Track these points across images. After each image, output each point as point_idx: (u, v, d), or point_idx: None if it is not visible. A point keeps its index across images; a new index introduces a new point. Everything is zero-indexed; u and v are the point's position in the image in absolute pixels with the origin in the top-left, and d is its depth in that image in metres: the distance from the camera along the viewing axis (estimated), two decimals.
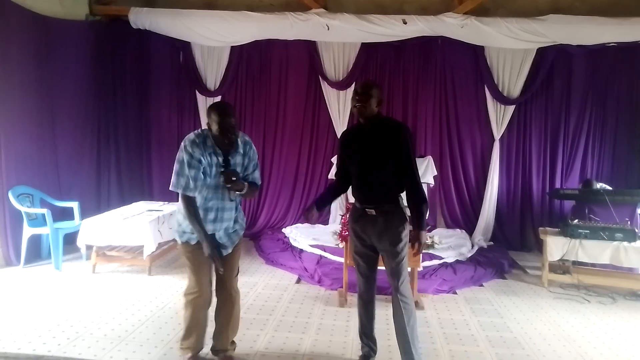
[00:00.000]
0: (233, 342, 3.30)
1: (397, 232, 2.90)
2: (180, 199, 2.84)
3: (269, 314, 4.14)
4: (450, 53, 6.70)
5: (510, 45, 6.35)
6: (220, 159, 2.85)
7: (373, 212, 2.94)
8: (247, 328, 3.81)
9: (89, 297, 4.39)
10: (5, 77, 5.11)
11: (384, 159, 2.86)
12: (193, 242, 2.94)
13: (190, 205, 2.81)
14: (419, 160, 6.22)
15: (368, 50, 6.75)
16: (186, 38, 6.83)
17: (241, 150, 2.91)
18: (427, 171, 5.92)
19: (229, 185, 2.82)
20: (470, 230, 6.65)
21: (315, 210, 3.03)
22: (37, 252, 5.44)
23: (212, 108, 2.82)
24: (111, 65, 6.79)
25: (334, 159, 6.28)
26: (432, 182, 6.15)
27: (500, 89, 6.56)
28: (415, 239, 2.89)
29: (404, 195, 2.99)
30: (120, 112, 6.91)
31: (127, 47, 6.89)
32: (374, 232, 2.95)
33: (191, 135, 2.83)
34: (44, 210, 5.16)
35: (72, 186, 6.12)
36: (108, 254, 5.20)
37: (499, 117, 6.61)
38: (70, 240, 5.38)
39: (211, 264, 3.01)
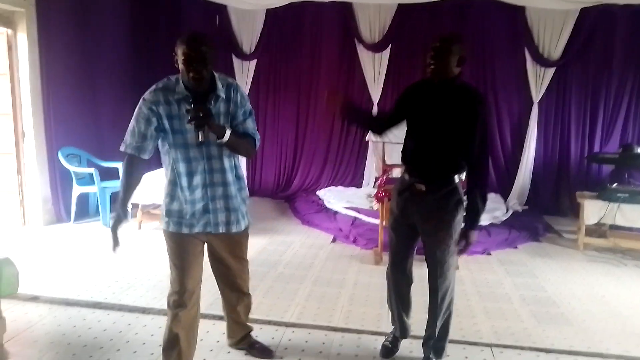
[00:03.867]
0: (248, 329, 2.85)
1: (447, 218, 2.44)
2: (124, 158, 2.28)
3: (307, 270, 4.30)
4: (488, 14, 6.55)
5: (553, 6, 6.16)
6: (188, 105, 2.18)
7: (423, 187, 2.47)
8: (287, 282, 3.99)
9: (136, 251, 4.65)
10: (49, 44, 5.28)
11: (452, 131, 2.37)
12: (171, 229, 2.33)
13: (126, 165, 2.27)
14: None
15: (404, 11, 6.65)
16: (222, 1, 6.86)
17: (223, 95, 2.25)
18: None
19: (194, 122, 2.08)
20: (505, 195, 6.64)
21: (348, 106, 2.54)
22: (85, 209, 5.74)
23: (178, 39, 2.17)
24: (148, 29, 6.90)
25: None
26: None
27: (540, 51, 6.41)
28: (463, 237, 2.44)
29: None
30: (159, 74, 6.88)
31: (163, 11, 6.97)
32: (420, 211, 2.49)
33: (155, 86, 2.25)
34: (92, 170, 5.41)
35: (116, 147, 6.31)
36: (153, 212, 5.44)
37: (538, 80, 6.48)
38: (116, 199, 5.64)
39: (201, 261, 2.44)
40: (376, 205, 4.73)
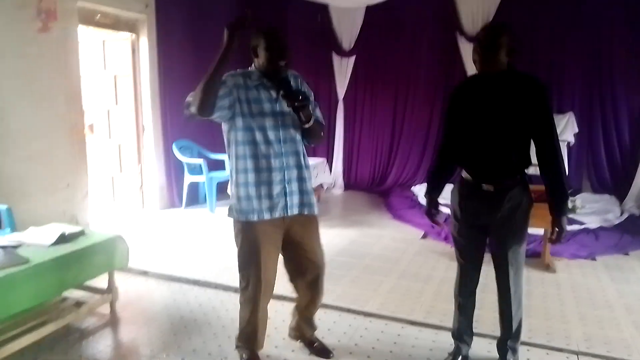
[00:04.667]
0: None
1: (520, 218, 2.37)
2: (193, 111, 2.22)
3: (394, 264, 4.33)
4: (608, 2, 5.99)
5: None
6: (273, 92, 2.30)
7: (491, 188, 2.35)
8: (373, 274, 4.06)
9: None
10: (166, 46, 5.81)
11: (514, 123, 2.27)
12: (251, 218, 2.31)
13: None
14: (558, 117, 5.82)
15: (509, 3, 6.30)
16: (323, 1, 7.04)
17: (292, 83, 2.29)
18: (567, 128, 5.51)
19: (297, 105, 2.19)
20: (621, 196, 6.05)
21: (438, 206, 2.60)
22: (195, 196, 6.28)
23: (258, 30, 2.29)
24: (255, 28, 7.27)
25: None
26: (572, 139, 5.71)
27: None
28: (554, 225, 2.31)
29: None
30: None
31: (270, 10, 7.32)
32: (490, 213, 2.38)
33: (230, 72, 2.33)
34: (200, 161, 5.90)
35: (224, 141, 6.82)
36: None
37: None
38: (223, 188, 6.08)
39: (278, 252, 2.45)
40: None
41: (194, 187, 6.21)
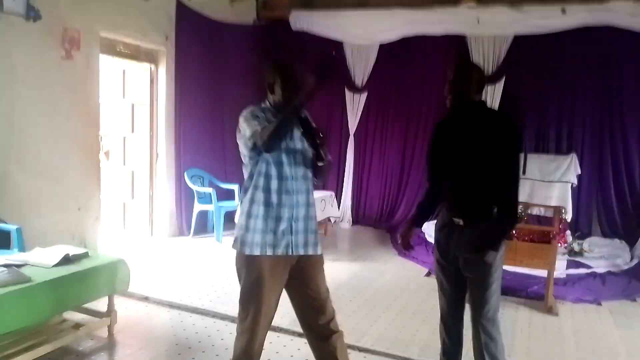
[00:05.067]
0: None
1: (489, 251, 2.31)
2: (257, 137, 2.15)
3: (394, 299, 4.31)
4: (616, 42, 6.06)
5: None
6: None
7: (460, 222, 2.38)
8: (371, 309, 4.05)
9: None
10: (183, 77, 6.05)
11: (483, 157, 2.30)
12: (255, 252, 2.22)
13: (268, 127, 2.14)
14: (560, 158, 5.81)
15: (521, 43, 6.43)
16: (338, 38, 7.25)
17: (303, 117, 2.30)
18: (569, 170, 5.51)
19: (319, 142, 2.22)
20: (631, 242, 5.95)
21: (414, 228, 2.67)
22: (203, 225, 6.36)
23: (274, 68, 2.30)
24: (270, 61, 7.50)
25: None
26: (575, 181, 5.69)
27: None
28: (478, 251, 2.29)
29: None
30: None
31: (286, 47, 7.56)
32: (460, 247, 2.37)
33: (245, 111, 2.32)
34: (210, 190, 6.01)
35: (237, 171, 6.85)
36: None
37: None
38: (231, 218, 6.16)
39: (279, 294, 2.34)
40: None
41: (203, 215, 6.31)
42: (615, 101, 6.18)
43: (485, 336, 2.37)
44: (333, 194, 6.81)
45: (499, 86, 6.57)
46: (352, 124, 7.44)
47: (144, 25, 5.51)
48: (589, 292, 4.56)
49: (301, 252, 2.30)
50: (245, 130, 2.24)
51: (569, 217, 5.51)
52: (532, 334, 3.68)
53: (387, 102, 7.34)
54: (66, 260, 3.09)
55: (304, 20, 7.20)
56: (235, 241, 2.31)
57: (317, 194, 6.32)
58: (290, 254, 2.27)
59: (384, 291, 4.53)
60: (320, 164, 2.31)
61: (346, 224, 7.37)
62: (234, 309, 3.80)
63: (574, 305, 4.37)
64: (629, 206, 6.16)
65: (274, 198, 2.24)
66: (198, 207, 6.13)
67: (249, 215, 2.27)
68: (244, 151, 2.31)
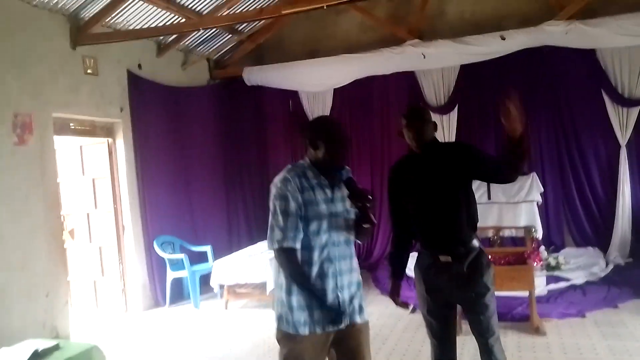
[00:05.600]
0: None
1: (483, 280, 2.39)
2: (276, 256, 2.13)
3: (382, 343, 4.24)
4: (557, 61, 6.35)
5: (625, 43, 5.86)
6: (328, 191, 2.14)
7: (448, 258, 2.39)
8: None
9: (221, 331, 4.90)
10: (143, 146, 6.00)
11: (452, 187, 2.38)
12: (301, 332, 2.08)
13: (290, 260, 2.08)
14: (523, 178, 5.96)
15: (468, 71, 6.68)
16: (293, 88, 7.39)
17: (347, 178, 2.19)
18: (532, 189, 5.66)
19: (366, 204, 2.08)
20: (604, 248, 6.08)
21: (399, 283, 2.63)
22: (179, 293, 6.16)
23: (317, 123, 2.28)
24: (232, 120, 7.59)
25: None
26: (539, 199, 5.85)
27: (619, 91, 6.05)
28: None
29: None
30: (244, 160, 7.68)
31: (244, 102, 7.65)
32: (453, 283, 2.39)
33: (281, 175, 2.15)
34: (182, 256, 5.88)
35: (207, 231, 6.86)
36: (238, 291, 5.71)
37: (622, 121, 6.07)
38: (207, 280, 6.01)
39: None
40: None
41: (178, 282, 6.13)
42: (566, 116, 6.42)
43: (496, 357, 2.41)
44: None
45: (453, 115, 6.77)
46: None
47: (97, 100, 5.49)
48: (572, 306, 4.60)
49: (348, 321, 2.14)
50: (273, 218, 2.09)
51: (539, 234, 5.62)
52: (523, 358, 3.66)
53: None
54: (35, 356, 2.93)
55: (257, 76, 7.34)
56: (280, 319, 2.13)
57: None
58: (337, 328, 2.11)
59: (372, 334, 4.41)
60: (366, 225, 2.14)
61: None
62: None
63: (559, 321, 4.39)
64: (596, 213, 6.32)
65: (314, 270, 2.10)
66: (171, 274, 5.96)
67: (290, 291, 2.11)
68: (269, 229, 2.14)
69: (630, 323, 4.23)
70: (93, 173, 5.87)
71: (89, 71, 5.39)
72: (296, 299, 2.09)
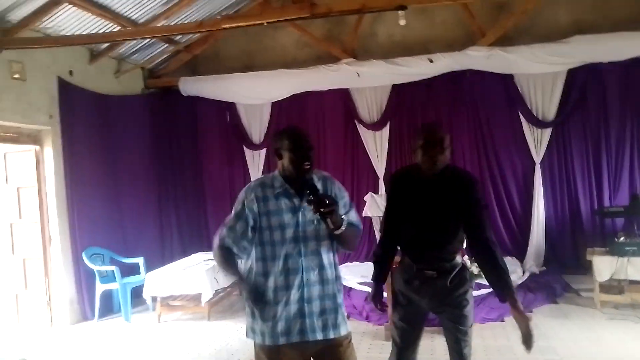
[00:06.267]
0: None
1: (464, 295, 2.47)
2: (214, 251, 2.21)
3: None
4: (480, 84, 6.84)
5: (538, 70, 6.44)
6: (296, 200, 2.12)
7: (434, 274, 2.46)
8: None
9: (154, 344, 4.81)
10: (73, 155, 5.82)
11: (453, 216, 2.43)
12: (267, 342, 2.11)
13: (224, 258, 2.17)
14: None
15: (399, 91, 7.03)
16: (230, 99, 7.43)
17: (320, 187, 2.14)
18: None
19: (323, 210, 1.98)
20: (521, 257, 6.57)
21: (383, 293, 2.63)
22: (109, 306, 5.98)
23: (282, 132, 2.20)
24: (167, 130, 7.48)
25: (367, 198, 6.51)
26: None
27: (534, 113, 6.60)
28: (524, 321, 2.30)
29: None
30: (178, 171, 7.57)
31: (179, 113, 7.57)
32: (435, 296, 2.47)
33: (252, 182, 2.24)
34: (113, 268, 5.72)
35: (139, 243, 6.69)
36: (171, 304, 5.64)
37: (537, 141, 6.62)
38: (138, 293, 5.86)
39: None
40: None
41: (108, 295, 5.94)
42: (487, 136, 6.89)
43: (465, 346, 2.50)
44: None
45: (385, 131, 7.09)
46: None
47: (24, 107, 5.27)
48: (492, 311, 4.94)
49: (319, 336, 2.08)
50: (230, 220, 2.16)
51: (464, 245, 5.95)
52: None
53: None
54: None
55: (193, 86, 7.33)
56: (247, 330, 2.21)
57: None
58: (307, 339, 2.07)
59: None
60: (336, 232, 2.06)
61: None
62: None
63: (481, 325, 4.71)
64: (513, 225, 6.81)
65: (279, 281, 2.08)
66: (101, 287, 5.77)
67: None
68: None
69: (542, 325, 4.62)
70: (18, 182, 5.61)
71: (15, 76, 5.18)
72: (263, 309, 2.10)
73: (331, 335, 2.11)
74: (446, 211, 2.42)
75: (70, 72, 5.93)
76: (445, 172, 2.43)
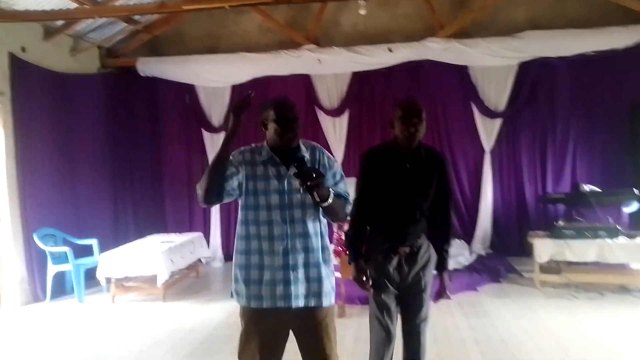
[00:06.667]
0: None
1: (429, 274, 2.58)
2: (199, 200, 2.15)
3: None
4: (436, 74, 7.06)
5: (492, 63, 6.71)
6: (282, 169, 2.13)
7: (407, 250, 2.51)
8: None
9: (108, 324, 4.80)
10: (27, 132, 5.68)
11: (429, 192, 2.50)
12: (252, 304, 2.12)
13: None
14: None
15: (359, 79, 7.17)
16: (190, 81, 7.38)
17: (308, 157, 2.15)
18: None
19: (309, 184, 1.96)
20: (468, 240, 6.89)
21: (367, 272, 2.56)
22: (62, 287, 5.89)
23: (268, 103, 2.18)
24: (124, 110, 7.37)
25: None
26: None
27: (486, 104, 6.89)
28: (442, 284, 2.59)
29: None
30: (134, 153, 7.48)
31: (137, 93, 7.47)
32: (409, 271, 2.52)
33: (243, 147, 2.24)
34: (66, 249, 5.64)
35: (93, 225, 6.59)
36: (126, 285, 5.62)
37: (488, 131, 6.92)
38: (92, 275, 5.79)
39: (282, 350, 2.18)
40: (335, 260, 4.94)
41: (61, 276, 5.85)
42: (441, 124, 7.09)
43: (423, 337, 2.59)
44: (201, 234, 6.80)
45: (344, 117, 7.22)
46: None
47: None
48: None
49: (301, 304, 2.09)
50: None
51: None
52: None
53: (245, 139, 7.48)
54: None
55: (152, 67, 7.24)
56: (230, 291, 2.22)
57: (185, 237, 6.32)
58: (290, 306, 2.08)
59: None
60: (323, 205, 2.06)
61: (218, 262, 7.36)
62: None
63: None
64: (463, 210, 7.10)
65: (265, 245, 2.09)
66: (53, 268, 5.68)
67: (235, 264, 2.17)
68: None
69: (485, 303, 4.91)
70: None
71: None
72: (242, 272, 2.12)
73: (312, 304, 2.11)
74: (425, 187, 2.49)
75: (23, 49, 5.75)
76: (420, 149, 2.51)
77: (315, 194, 1.99)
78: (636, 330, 4.07)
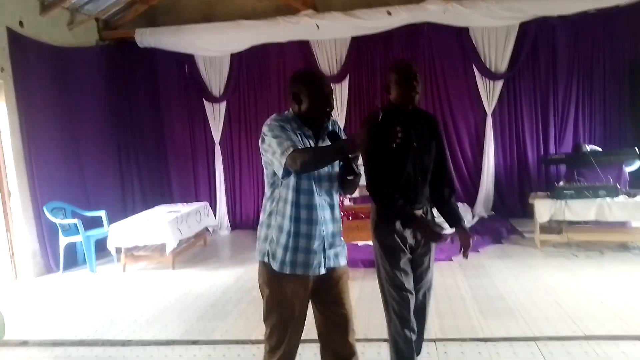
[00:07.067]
0: None
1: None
2: (289, 163, 1.96)
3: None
4: (436, 37, 7.00)
5: (492, 24, 6.64)
6: (311, 141, 2.13)
7: (421, 212, 2.55)
8: (258, 305, 4.28)
9: (120, 292, 4.97)
10: (28, 108, 5.71)
11: (432, 151, 2.55)
12: (286, 270, 2.12)
13: (302, 154, 1.96)
14: None
15: (358, 44, 7.12)
16: (189, 51, 7.35)
17: (330, 129, 2.19)
18: None
19: (351, 156, 2.04)
20: (471, 203, 6.97)
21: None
22: (73, 258, 6.06)
23: (301, 77, 2.16)
24: (124, 83, 7.39)
25: None
26: None
27: (487, 66, 6.85)
28: (466, 238, 2.60)
29: None
30: (137, 125, 7.54)
31: (136, 65, 7.47)
32: (420, 237, 2.58)
33: (275, 115, 2.15)
34: (75, 221, 5.77)
35: (100, 197, 6.72)
36: (136, 255, 5.77)
37: (489, 93, 6.90)
38: (102, 246, 5.95)
39: (306, 310, 2.23)
40: None
41: (72, 248, 6.01)
42: (442, 88, 7.10)
43: (429, 305, 2.72)
44: (207, 204, 6.91)
45: (345, 83, 7.20)
46: (216, 133, 7.56)
47: None
48: (441, 252, 5.29)
49: (332, 264, 2.19)
50: (273, 144, 2.02)
51: None
52: None
53: (247, 109, 7.58)
54: None
55: (150, 38, 7.20)
56: (261, 253, 2.18)
57: (191, 206, 6.43)
58: (317, 273, 2.15)
59: (238, 289, 4.77)
60: (350, 177, 2.11)
61: (225, 230, 7.50)
62: (121, 333, 3.84)
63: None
64: (465, 173, 7.17)
65: (304, 214, 2.11)
66: (64, 240, 5.82)
67: (279, 229, 2.12)
68: (270, 164, 2.10)
69: (487, 264, 5.02)
70: None
71: None
72: (284, 238, 2.10)
73: (342, 263, 2.24)
74: (429, 147, 2.54)
75: (21, 23, 5.73)
76: (416, 110, 2.56)
77: (354, 165, 2.07)
78: (634, 285, 4.18)
